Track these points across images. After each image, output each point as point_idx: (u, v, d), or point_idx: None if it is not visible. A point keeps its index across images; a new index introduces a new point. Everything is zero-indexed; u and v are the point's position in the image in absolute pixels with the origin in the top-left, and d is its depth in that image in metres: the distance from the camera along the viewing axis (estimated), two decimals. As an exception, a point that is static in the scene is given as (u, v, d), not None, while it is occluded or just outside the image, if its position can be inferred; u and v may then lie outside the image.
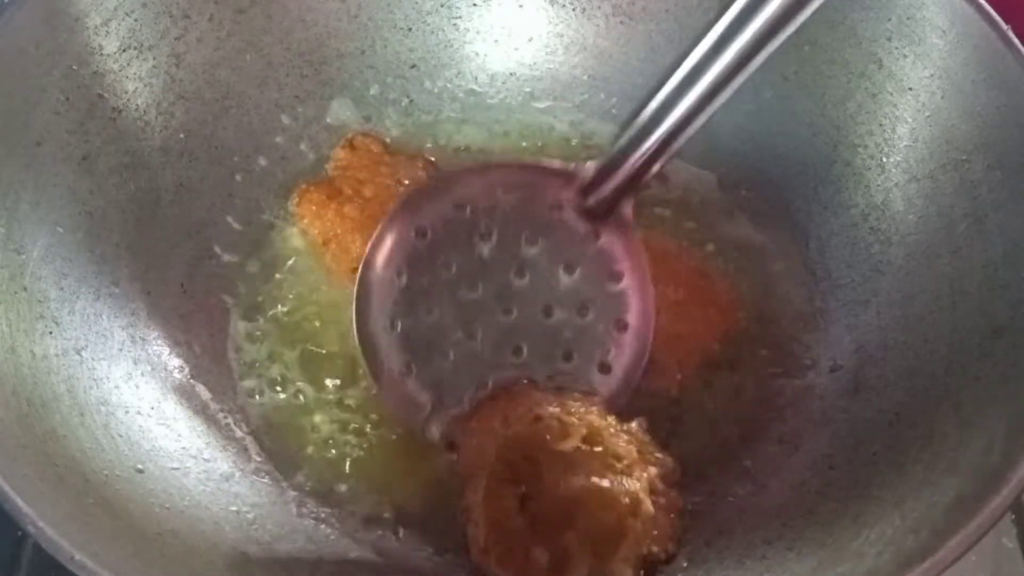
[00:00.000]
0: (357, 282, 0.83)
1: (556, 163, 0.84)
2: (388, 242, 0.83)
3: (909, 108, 0.83)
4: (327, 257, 0.90)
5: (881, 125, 0.85)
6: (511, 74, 1.01)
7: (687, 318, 0.87)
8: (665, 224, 0.94)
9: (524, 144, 0.99)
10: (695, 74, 0.74)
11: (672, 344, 0.85)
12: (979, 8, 0.77)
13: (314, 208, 0.90)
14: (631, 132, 0.78)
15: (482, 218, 0.83)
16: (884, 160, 0.85)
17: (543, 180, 0.83)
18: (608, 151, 0.81)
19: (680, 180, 0.96)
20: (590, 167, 0.82)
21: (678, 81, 0.75)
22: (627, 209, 0.82)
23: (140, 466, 0.72)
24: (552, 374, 0.82)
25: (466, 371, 0.82)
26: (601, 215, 0.83)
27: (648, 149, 0.78)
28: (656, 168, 0.79)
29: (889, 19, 0.82)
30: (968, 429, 0.68)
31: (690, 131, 0.76)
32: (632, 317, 0.83)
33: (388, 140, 0.97)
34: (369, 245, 0.84)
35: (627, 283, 0.83)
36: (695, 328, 0.87)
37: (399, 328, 0.83)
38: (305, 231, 0.91)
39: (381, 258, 0.83)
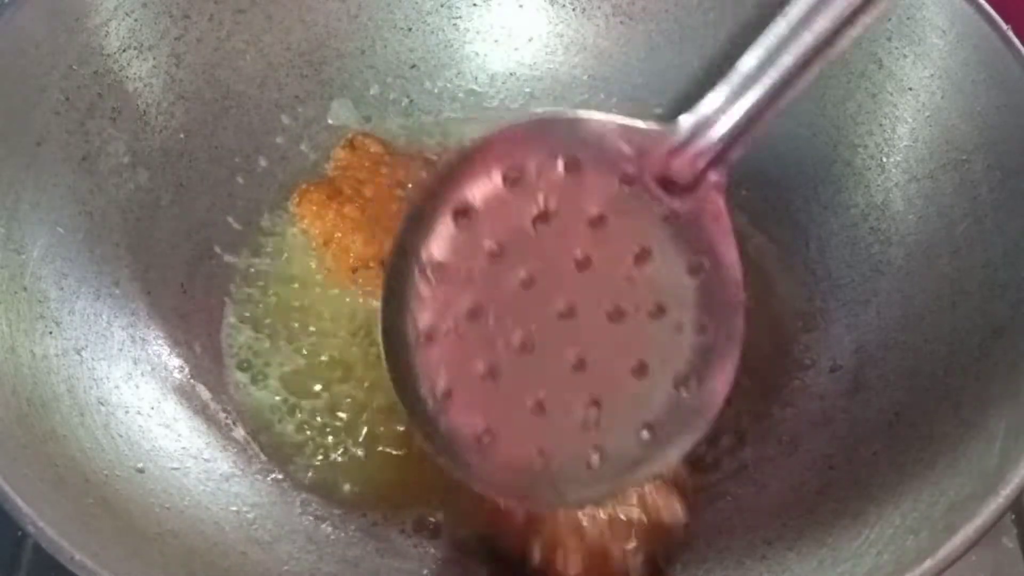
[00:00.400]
0: (383, 285, 0.63)
1: (633, 121, 0.61)
2: (421, 229, 0.62)
3: (909, 108, 0.83)
4: (327, 257, 0.90)
5: (881, 125, 0.85)
6: (511, 74, 1.01)
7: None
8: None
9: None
10: (814, 11, 0.57)
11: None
12: (979, 8, 0.77)
13: (314, 208, 0.90)
14: (733, 81, 0.59)
15: (538, 192, 0.62)
16: (884, 160, 0.85)
17: (615, 143, 0.61)
18: (698, 107, 0.60)
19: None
20: (683, 124, 0.60)
21: (795, 19, 0.58)
22: (719, 179, 0.61)
23: (140, 466, 0.72)
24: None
25: (517, 392, 0.63)
26: (687, 188, 0.61)
27: (756, 102, 0.58)
28: (762, 127, 0.59)
29: (889, 19, 0.82)
30: (968, 429, 0.68)
31: (807, 78, 0.58)
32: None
33: (388, 140, 0.97)
34: (397, 233, 0.63)
35: (712, 275, 0.64)
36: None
37: (436, 340, 0.63)
38: (305, 231, 0.91)
39: (412, 251, 0.63)
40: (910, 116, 0.83)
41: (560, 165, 0.62)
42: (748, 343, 0.85)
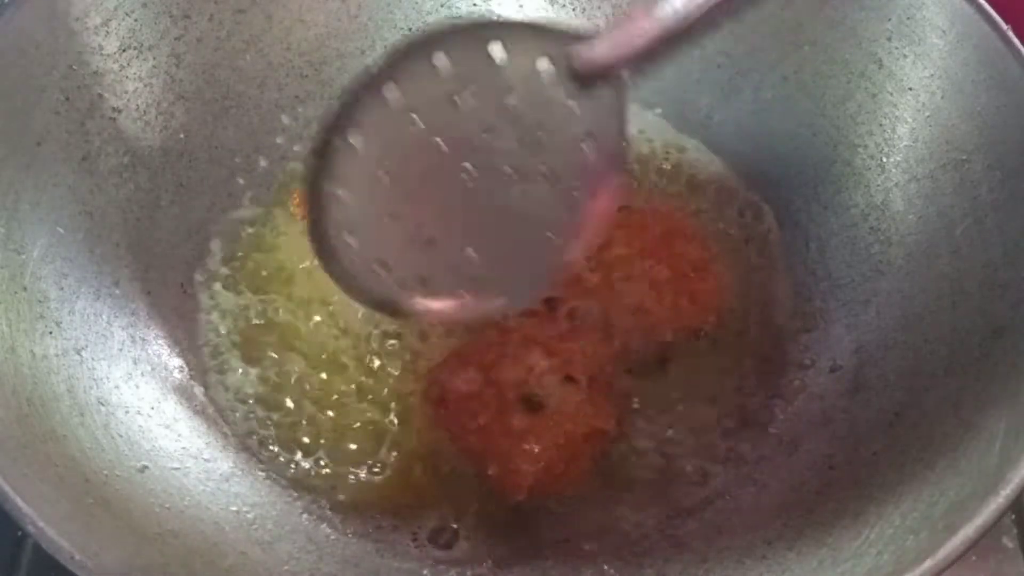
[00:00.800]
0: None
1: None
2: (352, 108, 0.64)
3: (909, 108, 0.83)
4: None
5: (881, 125, 0.85)
6: (511, 74, 1.01)
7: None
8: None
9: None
10: None
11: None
12: (979, 8, 0.77)
13: None
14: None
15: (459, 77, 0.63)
16: (884, 160, 0.85)
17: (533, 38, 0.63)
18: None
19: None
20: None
21: None
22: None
23: (140, 466, 0.72)
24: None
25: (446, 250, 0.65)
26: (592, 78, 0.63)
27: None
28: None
29: (889, 19, 0.82)
30: (968, 429, 0.68)
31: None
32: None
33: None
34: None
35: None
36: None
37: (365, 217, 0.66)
38: (305, 232, 0.91)
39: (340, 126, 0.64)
40: (910, 116, 0.83)
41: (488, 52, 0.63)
42: (748, 343, 0.87)
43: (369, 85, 0.64)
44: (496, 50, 0.63)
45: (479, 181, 0.65)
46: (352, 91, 0.64)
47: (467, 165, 0.64)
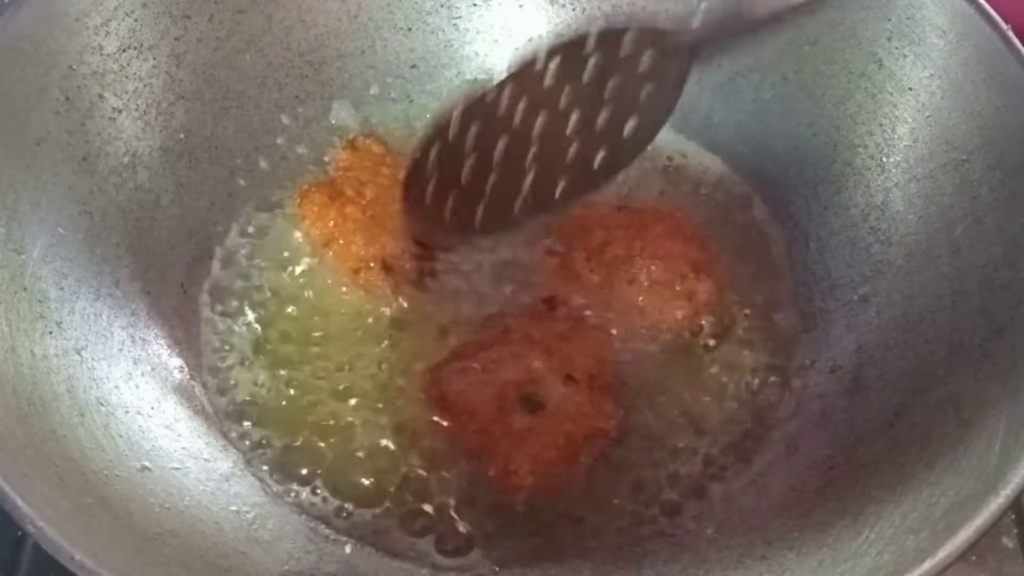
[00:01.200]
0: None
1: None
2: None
3: (909, 108, 0.83)
4: (329, 257, 0.90)
5: (881, 125, 0.85)
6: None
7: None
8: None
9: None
10: None
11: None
12: (979, 8, 0.77)
13: (316, 209, 0.90)
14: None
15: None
16: (884, 160, 0.85)
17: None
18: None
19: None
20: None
21: None
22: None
23: (140, 466, 0.72)
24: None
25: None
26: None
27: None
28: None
29: (889, 19, 0.82)
30: (968, 429, 0.68)
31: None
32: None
33: (389, 141, 0.97)
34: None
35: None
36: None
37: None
38: (307, 232, 0.91)
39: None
40: (910, 116, 0.83)
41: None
42: (748, 343, 0.87)
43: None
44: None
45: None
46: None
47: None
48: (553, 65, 0.78)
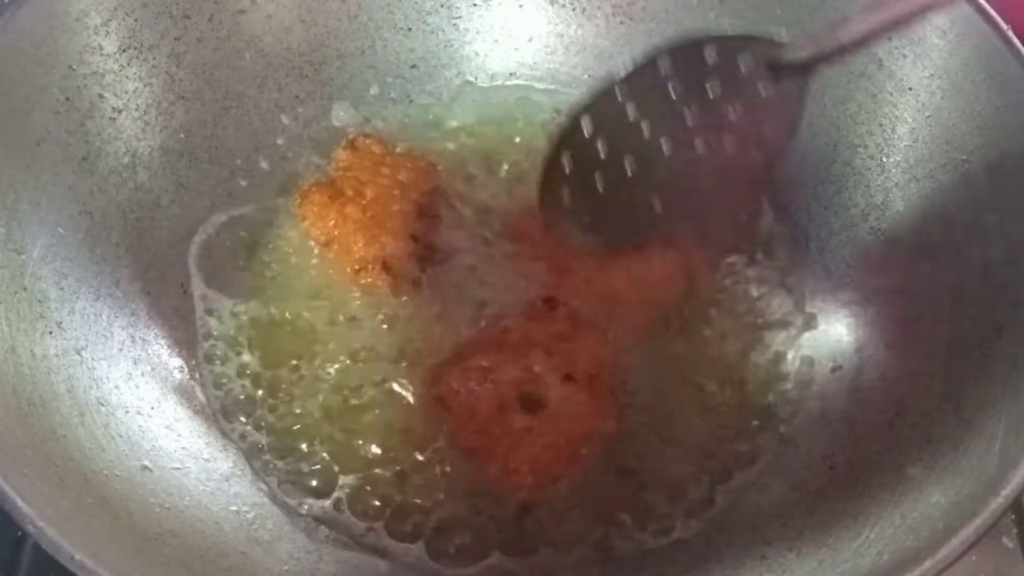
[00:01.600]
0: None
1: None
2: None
3: (909, 108, 0.83)
4: (329, 257, 0.90)
5: (881, 125, 0.85)
6: (511, 74, 1.01)
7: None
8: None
9: (523, 142, 0.99)
10: None
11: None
12: (979, 8, 0.77)
13: (316, 209, 0.90)
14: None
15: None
16: (884, 160, 0.85)
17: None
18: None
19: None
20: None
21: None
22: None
23: (140, 466, 0.72)
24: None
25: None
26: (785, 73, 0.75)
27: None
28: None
29: (889, 19, 0.82)
30: (968, 429, 0.68)
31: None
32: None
33: (389, 141, 0.97)
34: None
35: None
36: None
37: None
38: (307, 232, 0.91)
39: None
40: (910, 116, 0.83)
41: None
42: (748, 343, 0.87)
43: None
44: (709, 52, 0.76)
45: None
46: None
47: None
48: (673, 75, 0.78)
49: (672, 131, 0.78)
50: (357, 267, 0.88)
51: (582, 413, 0.81)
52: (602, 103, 0.80)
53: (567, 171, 0.81)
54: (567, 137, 0.81)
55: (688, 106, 0.77)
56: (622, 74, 0.80)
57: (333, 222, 0.89)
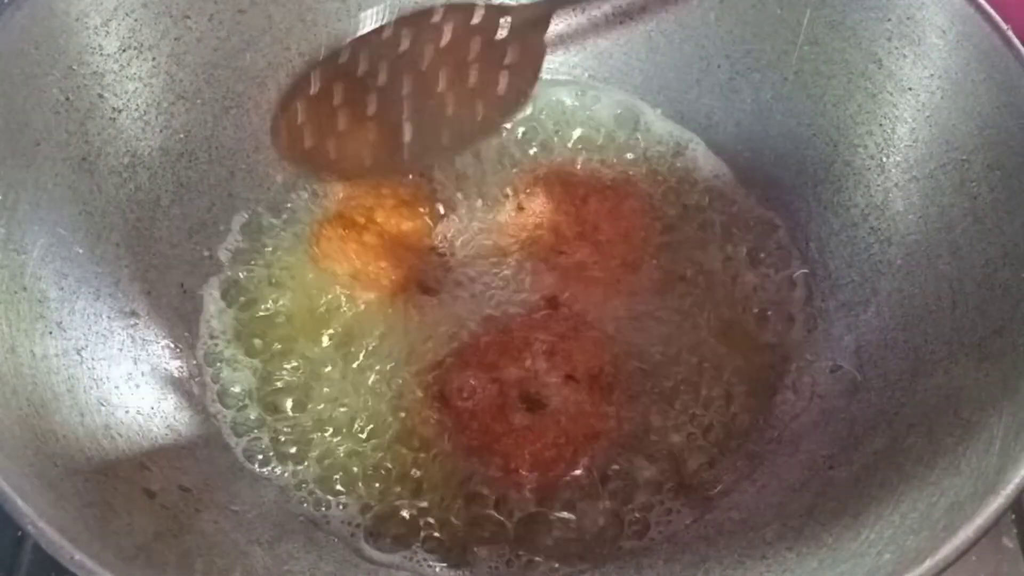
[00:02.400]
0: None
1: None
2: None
3: (909, 108, 0.83)
4: (356, 288, 0.89)
5: (881, 125, 0.85)
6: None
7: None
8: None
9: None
10: None
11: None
12: (979, 8, 0.77)
13: (335, 244, 0.89)
14: None
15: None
16: (884, 160, 0.85)
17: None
18: None
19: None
20: None
21: None
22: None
23: (140, 465, 0.73)
24: None
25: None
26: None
27: None
28: None
29: (889, 19, 0.82)
30: (968, 429, 0.68)
31: None
32: None
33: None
34: None
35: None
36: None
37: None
38: (330, 270, 0.90)
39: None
40: (910, 116, 0.83)
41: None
42: (748, 343, 0.87)
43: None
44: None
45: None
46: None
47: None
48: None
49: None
50: (393, 291, 0.88)
51: (583, 412, 0.81)
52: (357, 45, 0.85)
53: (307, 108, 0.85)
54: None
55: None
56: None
57: (355, 254, 0.89)
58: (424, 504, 0.80)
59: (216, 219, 0.91)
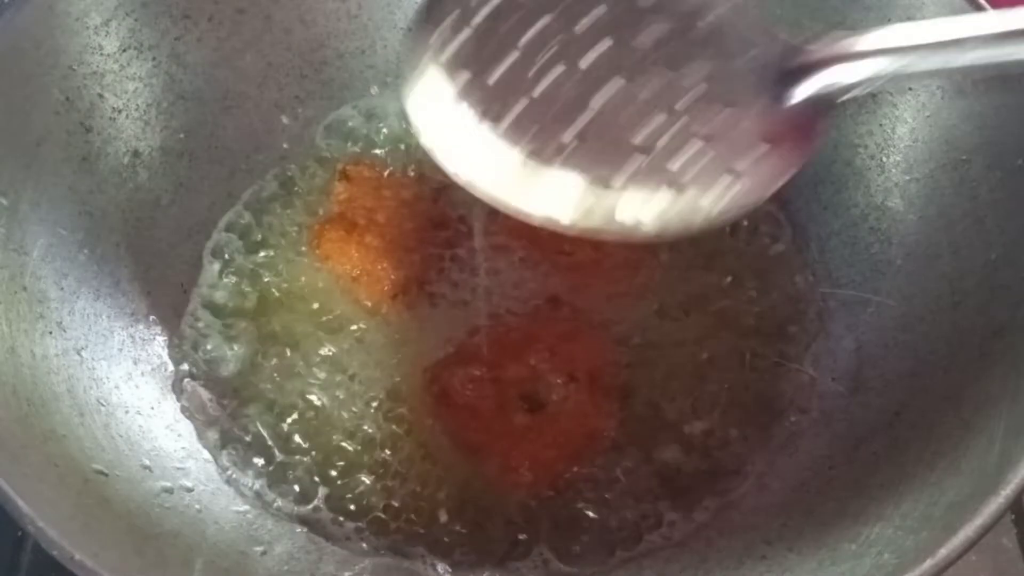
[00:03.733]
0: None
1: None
2: None
3: (909, 108, 0.83)
4: (360, 291, 0.89)
5: (881, 125, 0.85)
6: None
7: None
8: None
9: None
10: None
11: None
12: (979, 8, 0.76)
13: (337, 246, 0.89)
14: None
15: None
16: (884, 160, 0.85)
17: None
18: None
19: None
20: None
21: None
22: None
23: (140, 466, 0.73)
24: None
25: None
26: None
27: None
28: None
29: (889, 19, 0.82)
30: (968, 429, 0.67)
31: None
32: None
33: (377, 164, 0.96)
34: None
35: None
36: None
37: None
38: (332, 271, 0.90)
39: None
40: (910, 116, 0.83)
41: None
42: (748, 343, 0.87)
43: None
44: None
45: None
46: None
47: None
48: None
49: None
50: (394, 292, 0.88)
51: (583, 412, 0.81)
52: None
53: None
54: None
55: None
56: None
57: (357, 255, 0.88)
58: (423, 503, 0.80)
59: (216, 219, 0.91)
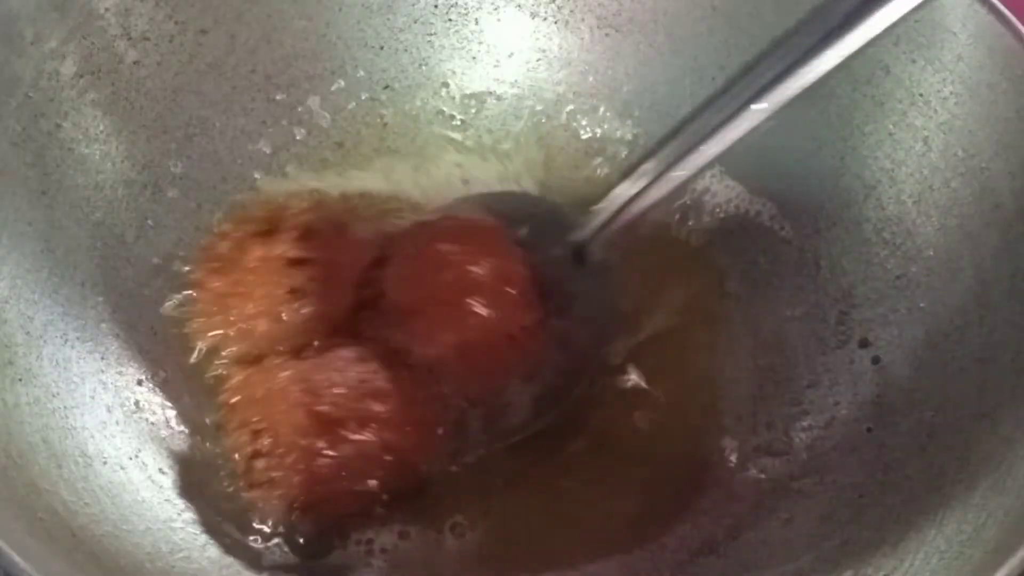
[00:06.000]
0: None
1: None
2: None
3: (921, 116, 0.84)
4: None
5: (891, 135, 0.86)
6: (491, 92, 1.02)
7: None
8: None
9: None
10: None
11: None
12: (992, 8, 0.78)
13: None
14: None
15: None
16: (895, 171, 0.87)
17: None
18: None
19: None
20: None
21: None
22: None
23: (124, 519, 0.73)
24: None
25: None
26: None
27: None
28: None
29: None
30: (1009, 447, 0.69)
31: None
32: None
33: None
34: None
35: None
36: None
37: None
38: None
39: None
40: (922, 124, 0.84)
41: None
42: (762, 371, 0.87)
43: None
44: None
45: None
46: None
47: None
48: None
49: None
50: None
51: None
52: None
53: None
54: None
55: None
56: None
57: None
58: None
59: (184, 255, 0.91)
